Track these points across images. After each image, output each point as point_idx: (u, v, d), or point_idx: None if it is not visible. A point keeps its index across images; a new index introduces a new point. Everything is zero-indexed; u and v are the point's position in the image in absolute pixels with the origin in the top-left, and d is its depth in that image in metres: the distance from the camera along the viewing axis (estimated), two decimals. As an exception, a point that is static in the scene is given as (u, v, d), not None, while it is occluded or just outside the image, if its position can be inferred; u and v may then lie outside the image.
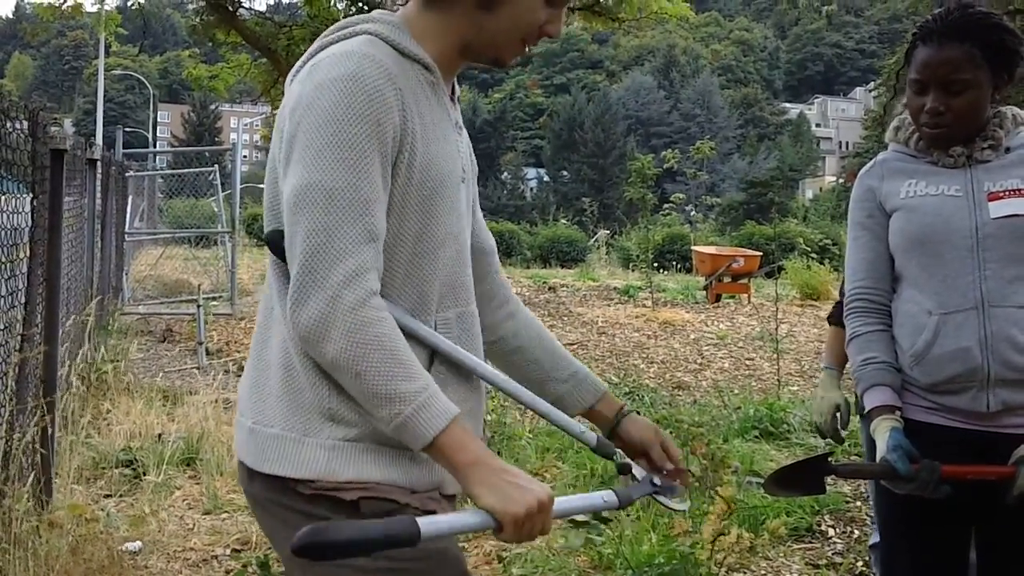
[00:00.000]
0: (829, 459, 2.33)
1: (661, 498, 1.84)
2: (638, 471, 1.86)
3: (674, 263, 22.10)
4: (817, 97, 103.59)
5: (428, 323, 1.66)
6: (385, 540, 1.44)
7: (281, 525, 1.61)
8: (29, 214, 4.31)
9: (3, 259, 3.95)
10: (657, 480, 1.86)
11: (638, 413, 1.99)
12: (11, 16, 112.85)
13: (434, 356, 1.67)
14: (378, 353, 1.49)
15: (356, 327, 1.49)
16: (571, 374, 1.93)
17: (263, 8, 17.99)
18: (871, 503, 3.99)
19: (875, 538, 3.23)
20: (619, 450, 1.88)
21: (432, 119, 1.66)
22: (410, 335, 1.62)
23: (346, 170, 1.53)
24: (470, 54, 1.73)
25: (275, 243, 1.64)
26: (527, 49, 1.74)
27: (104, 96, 41.92)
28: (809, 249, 15.39)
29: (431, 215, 1.64)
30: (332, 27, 1.75)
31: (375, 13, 1.73)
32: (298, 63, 1.71)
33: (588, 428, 1.88)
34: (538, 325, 1.99)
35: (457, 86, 1.83)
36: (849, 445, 5.33)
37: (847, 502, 4.80)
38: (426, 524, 1.46)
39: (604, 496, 1.73)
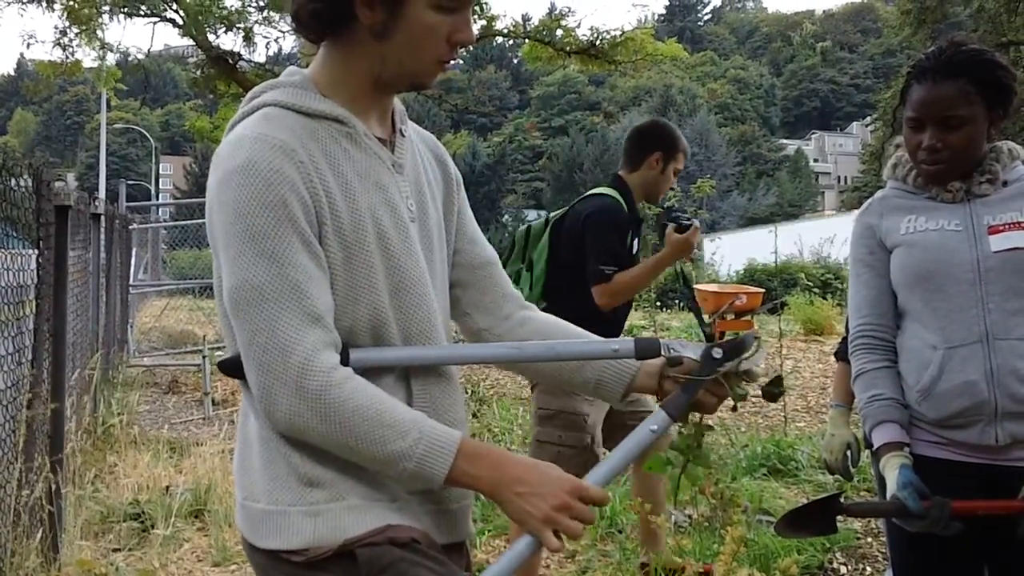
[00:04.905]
0: (840, 499, 2.33)
1: (728, 365, 1.68)
2: (694, 352, 1.70)
3: (677, 301, 22.07)
4: (814, 133, 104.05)
5: (391, 373, 1.65)
6: None
7: None
8: (34, 271, 4.33)
9: (10, 317, 3.96)
10: (718, 352, 1.67)
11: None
12: (12, 73, 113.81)
13: (410, 379, 1.67)
14: (362, 426, 1.51)
15: (329, 411, 1.51)
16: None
17: (263, 60, 18.10)
18: (884, 539, 3.97)
19: (888, 575, 3.21)
20: (664, 342, 1.73)
21: (355, 171, 1.63)
22: (382, 370, 1.63)
23: (267, 262, 1.52)
24: (386, 87, 1.68)
25: (228, 369, 1.64)
26: (447, 64, 1.67)
27: (106, 150, 42.20)
28: (811, 284, 15.36)
29: (377, 266, 1.62)
30: (247, 96, 1.72)
31: (282, 76, 1.70)
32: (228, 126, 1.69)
33: (617, 342, 1.74)
34: (557, 321, 1.91)
35: (400, 120, 1.76)
36: (859, 481, 5.31)
37: (858, 539, 4.77)
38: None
39: (652, 424, 1.65)
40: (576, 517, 1.53)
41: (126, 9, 14.83)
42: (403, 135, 1.77)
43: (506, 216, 73.51)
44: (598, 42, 15.45)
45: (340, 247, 1.59)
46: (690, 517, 4.86)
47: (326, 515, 1.58)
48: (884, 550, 4.40)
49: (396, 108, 1.77)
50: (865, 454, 2.78)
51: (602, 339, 1.80)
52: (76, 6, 14.67)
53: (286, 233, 1.53)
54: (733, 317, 15.91)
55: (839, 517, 2.35)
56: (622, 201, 3.85)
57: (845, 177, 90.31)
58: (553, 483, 1.54)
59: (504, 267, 3.96)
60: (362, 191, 1.63)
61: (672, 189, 3.97)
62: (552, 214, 3.97)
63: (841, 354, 3.05)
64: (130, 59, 17.78)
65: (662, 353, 1.73)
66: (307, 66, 1.73)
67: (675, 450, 1.77)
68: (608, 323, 3.68)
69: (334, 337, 1.56)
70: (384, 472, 1.57)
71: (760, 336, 1.74)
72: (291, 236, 1.53)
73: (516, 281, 3.86)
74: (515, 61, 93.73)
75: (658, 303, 17.83)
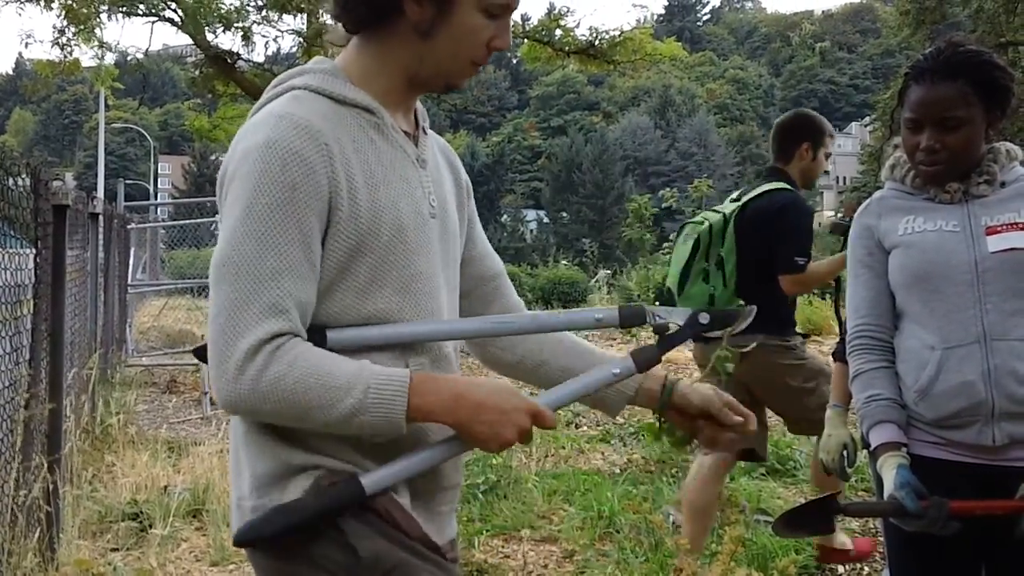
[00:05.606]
0: (838, 498, 2.33)
1: (716, 333, 1.67)
2: (680, 317, 1.68)
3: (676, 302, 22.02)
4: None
5: (388, 352, 1.61)
6: (329, 507, 1.52)
7: None
8: (32, 270, 4.32)
9: (8, 317, 3.96)
10: (704, 317, 1.66)
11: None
12: (11, 72, 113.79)
13: (407, 358, 1.63)
14: (304, 397, 1.49)
15: (268, 391, 1.48)
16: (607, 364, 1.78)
17: (261, 59, 18.12)
18: (882, 539, 3.97)
19: (886, 574, 3.21)
20: (650, 309, 1.72)
21: (380, 162, 1.62)
22: (377, 348, 1.60)
23: (254, 242, 1.50)
24: (419, 85, 1.68)
25: (201, 355, 1.62)
26: (479, 68, 1.68)
27: (105, 149, 42.17)
28: (810, 284, 15.30)
29: (391, 258, 1.60)
30: (273, 82, 1.72)
31: (311, 63, 1.69)
32: (252, 110, 1.70)
33: (601, 311, 1.74)
34: (558, 333, 1.89)
35: (422, 118, 1.77)
36: (856, 481, 5.31)
37: (856, 538, 4.77)
38: (369, 479, 1.53)
39: (616, 367, 1.66)
40: (524, 437, 1.55)
41: (124, 8, 14.85)
42: (425, 133, 1.77)
43: (505, 216, 73.51)
44: (597, 42, 15.49)
45: (354, 233, 1.57)
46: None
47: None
48: (882, 550, 4.40)
49: (418, 107, 1.77)
50: (863, 454, 2.79)
51: (584, 309, 1.82)
52: (74, 5, 14.69)
53: (284, 219, 1.51)
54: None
55: (837, 517, 2.36)
56: None
57: (844, 178, 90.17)
58: (514, 409, 1.54)
59: (691, 267, 3.97)
60: (385, 182, 1.61)
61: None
62: (727, 209, 4.04)
63: (839, 354, 3.05)
64: (128, 58, 17.80)
65: (648, 320, 1.71)
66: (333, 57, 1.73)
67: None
68: (793, 315, 4.06)
69: (293, 328, 1.52)
70: (345, 433, 1.54)
71: (752, 311, 1.71)
72: (289, 223, 1.51)
73: (705, 280, 3.97)
74: (514, 61, 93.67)
75: (657, 303, 17.80)
